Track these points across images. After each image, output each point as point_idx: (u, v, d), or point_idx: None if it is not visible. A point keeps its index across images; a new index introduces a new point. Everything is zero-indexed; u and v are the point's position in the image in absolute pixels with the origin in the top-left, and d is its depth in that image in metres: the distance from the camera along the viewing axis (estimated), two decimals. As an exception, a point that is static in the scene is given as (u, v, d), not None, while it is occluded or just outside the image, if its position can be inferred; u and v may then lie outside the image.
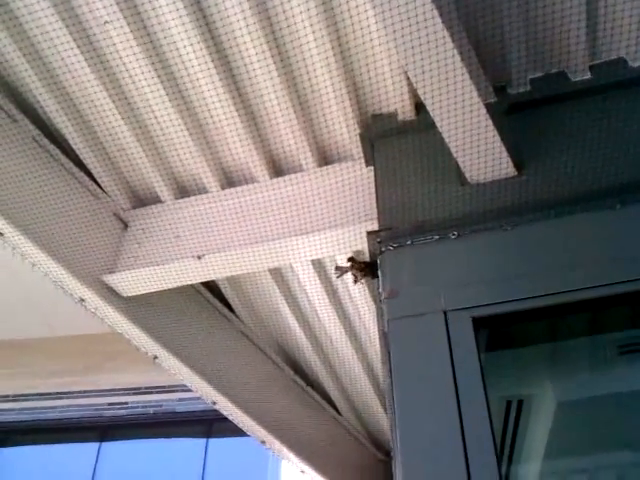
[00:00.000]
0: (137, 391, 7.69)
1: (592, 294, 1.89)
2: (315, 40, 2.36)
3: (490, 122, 2.10)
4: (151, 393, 7.67)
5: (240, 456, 7.69)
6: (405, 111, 2.54)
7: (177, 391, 7.54)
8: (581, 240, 2.00)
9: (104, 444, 7.96)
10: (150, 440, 7.93)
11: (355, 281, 2.35)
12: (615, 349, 2.22)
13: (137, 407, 7.69)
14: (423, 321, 1.95)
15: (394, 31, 1.88)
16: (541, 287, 1.92)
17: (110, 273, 2.82)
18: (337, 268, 2.43)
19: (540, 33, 2.32)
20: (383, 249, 2.18)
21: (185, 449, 7.89)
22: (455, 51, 1.92)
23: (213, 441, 7.86)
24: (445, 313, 1.93)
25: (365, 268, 2.25)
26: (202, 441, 7.86)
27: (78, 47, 2.41)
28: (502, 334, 2.15)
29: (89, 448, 7.89)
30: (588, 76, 2.37)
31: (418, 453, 1.73)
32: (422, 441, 1.74)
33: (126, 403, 7.70)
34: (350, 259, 2.28)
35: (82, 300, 2.82)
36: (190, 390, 7.30)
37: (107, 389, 7.64)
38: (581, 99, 2.34)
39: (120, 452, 7.98)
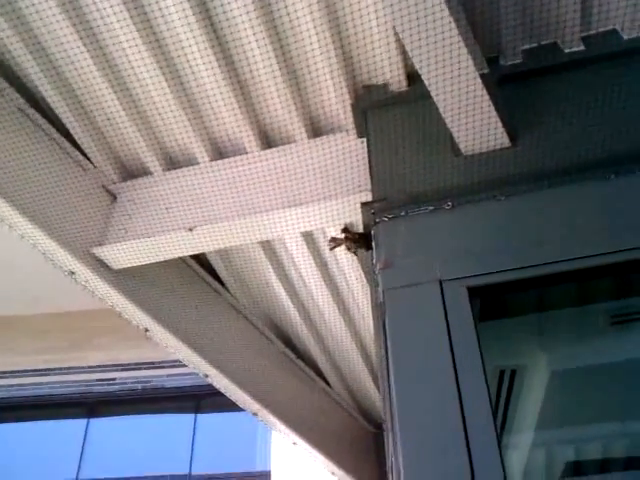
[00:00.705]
0: (125, 367, 7.70)
1: (585, 264, 1.89)
2: (307, 7, 2.32)
3: (485, 92, 2.08)
4: (139, 369, 7.69)
5: (229, 431, 7.75)
6: (397, 82, 2.52)
7: (166, 367, 7.58)
8: (575, 210, 2.00)
9: (92, 420, 7.98)
10: (139, 416, 7.96)
11: (349, 249, 2.35)
12: (607, 319, 2.23)
13: (126, 383, 7.72)
14: (418, 291, 1.95)
15: (391, 3, 1.85)
16: (535, 257, 1.92)
17: (100, 245, 2.79)
18: (332, 239, 2.43)
19: (532, 3, 2.30)
20: (377, 220, 2.17)
21: (174, 425, 7.93)
22: (451, 20, 1.90)
23: (202, 417, 7.90)
24: (441, 283, 1.93)
25: (359, 239, 2.24)
26: (191, 417, 7.91)
27: (64, 13, 2.35)
28: (495, 304, 2.16)
29: (77, 424, 7.91)
30: (581, 47, 2.36)
31: (415, 423, 1.72)
32: (419, 411, 1.74)
33: (114, 379, 7.72)
34: (344, 229, 2.28)
35: (72, 273, 2.80)
36: (178, 366, 7.36)
37: (95, 365, 7.65)
38: (574, 70, 2.33)
39: (109, 428, 8.01)
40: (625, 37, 2.31)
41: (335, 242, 2.41)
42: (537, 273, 1.92)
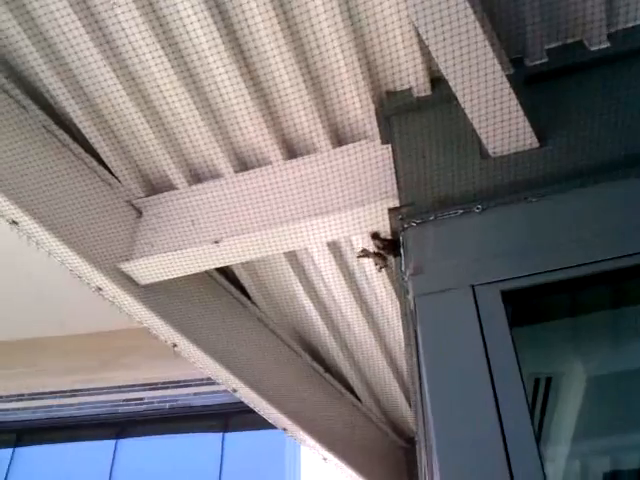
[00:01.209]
0: (153, 386, 7.69)
1: (621, 264, 1.84)
2: (326, 14, 2.32)
3: (512, 93, 2.06)
4: (167, 388, 7.67)
5: (258, 450, 7.69)
6: (420, 87, 2.50)
7: (193, 385, 7.55)
8: (608, 209, 1.95)
9: (120, 441, 7.96)
10: (167, 436, 7.94)
11: (376, 264, 2.32)
12: (645, 321, 2.17)
13: (153, 402, 7.69)
14: (451, 296, 1.90)
15: (414, 4, 1.84)
16: (570, 258, 1.87)
17: (126, 261, 2.79)
18: (363, 250, 2.41)
19: (556, 3, 2.27)
20: (406, 225, 2.14)
21: (202, 444, 7.89)
22: (476, 22, 1.89)
23: (230, 435, 7.85)
24: (473, 287, 1.88)
25: (388, 245, 2.21)
26: (219, 435, 7.86)
27: (86, 32, 2.38)
28: (528, 309, 2.11)
29: (106, 445, 7.90)
30: (607, 45, 2.32)
31: (452, 437, 1.66)
32: (455, 424, 1.68)
33: (142, 399, 7.70)
34: (374, 235, 2.25)
35: (99, 289, 2.80)
36: (205, 384, 7.33)
37: (123, 385, 7.65)
38: (600, 68, 2.29)
39: (137, 449, 7.99)
40: (653, 32, 2.27)
41: (365, 253, 2.39)
42: (572, 275, 1.87)
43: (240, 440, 7.83)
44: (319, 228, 2.59)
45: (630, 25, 2.33)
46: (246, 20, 2.34)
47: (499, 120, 2.10)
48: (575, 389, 2.33)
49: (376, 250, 2.39)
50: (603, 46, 2.33)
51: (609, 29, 2.33)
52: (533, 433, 1.60)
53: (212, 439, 7.83)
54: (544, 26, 2.32)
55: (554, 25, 2.33)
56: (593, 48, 2.34)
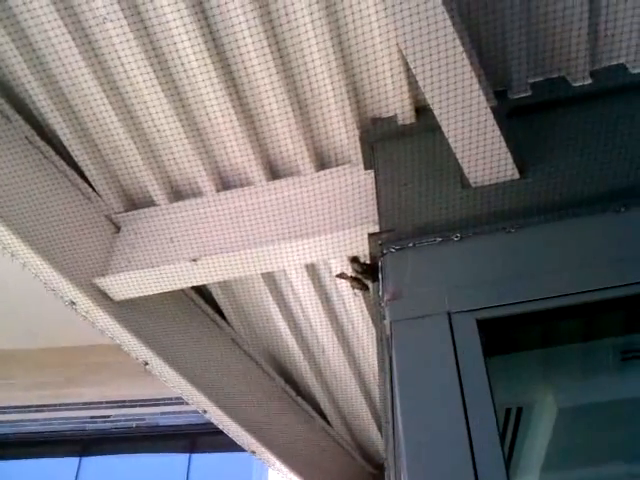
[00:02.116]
0: (120, 404, 7.57)
1: (596, 297, 1.86)
2: (317, 43, 2.35)
3: (496, 125, 2.09)
4: (134, 406, 7.55)
5: (224, 472, 7.59)
6: (405, 115, 2.53)
7: (161, 404, 7.45)
8: (585, 243, 1.98)
9: (84, 459, 7.82)
10: (132, 455, 7.81)
11: (353, 288, 2.33)
12: (618, 355, 2.20)
13: (120, 420, 7.58)
14: (427, 323, 1.91)
15: (404, 33, 1.87)
16: (545, 289, 1.90)
17: (102, 276, 2.76)
18: (342, 273, 2.42)
19: (541, 39, 2.33)
20: (385, 251, 2.15)
21: (168, 464, 7.77)
22: (464, 53, 1.92)
23: (196, 456, 7.75)
24: (449, 315, 1.89)
25: (367, 270, 2.22)
26: (185, 456, 7.76)
27: (75, 44, 2.37)
28: (502, 338, 2.12)
29: (69, 463, 7.75)
30: (589, 81, 2.37)
31: (423, 463, 1.66)
32: (427, 450, 1.67)
33: (109, 416, 7.58)
34: (354, 258, 2.26)
35: (73, 303, 2.76)
36: (174, 404, 7.24)
37: (90, 402, 7.52)
38: (582, 104, 2.34)
39: (101, 467, 7.84)
40: (633, 71, 2.33)
41: (343, 276, 2.39)
42: (547, 306, 1.89)
43: (207, 461, 7.73)
44: (298, 250, 2.59)
45: (613, 63, 2.38)
46: (237, 42, 2.36)
47: (481, 151, 2.13)
48: (545, 420, 2.35)
49: (354, 274, 2.40)
50: (586, 82, 2.39)
51: (592, 66, 2.38)
52: (503, 463, 1.60)
53: (178, 460, 7.71)
54: (529, 60, 2.36)
55: (538, 60, 2.38)
56: (576, 84, 2.39)
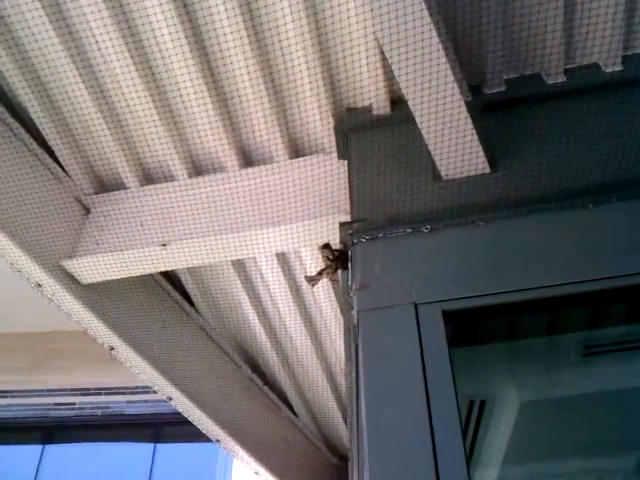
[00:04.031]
0: (86, 392, 7.49)
1: (560, 291, 1.89)
2: (294, 29, 2.34)
3: (469, 119, 2.10)
4: (100, 394, 7.48)
5: (189, 462, 7.56)
6: (380, 106, 2.53)
7: (127, 393, 7.39)
8: (552, 238, 2.01)
9: (48, 446, 7.73)
10: (97, 444, 7.73)
11: (327, 274, 2.33)
12: (580, 350, 2.23)
13: (85, 408, 7.50)
14: (394, 313, 1.92)
15: (381, 23, 1.87)
16: (511, 283, 1.92)
17: (69, 258, 2.73)
18: (310, 278, 2.43)
19: (516, 35, 2.34)
20: (355, 240, 2.15)
21: (132, 454, 7.72)
22: (440, 47, 1.93)
23: (161, 446, 7.71)
24: (416, 305, 1.90)
25: (338, 257, 2.22)
26: (150, 446, 7.71)
27: (49, 20, 2.32)
28: (469, 330, 2.14)
29: (32, 450, 7.65)
30: (563, 79, 2.40)
31: (385, 453, 1.67)
32: (388, 439, 1.68)
33: (74, 404, 7.50)
34: (325, 245, 2.26)
35: (39, 285, 2.72)
36: (139, 392, 7.18)
37: (54, 389, 7.43)
38: (555, 101, 2.37)
39: (64, 455, 7.75)
40: (606, 70, 2.36)
41: (313, 279, 2.41)
42: (512, 299, 1.91)
43: (171, 451, 7.69)
44: (269, 238, 2.58)
45: (585, 62, 2.41)
46: (213, 23, 2.33)
47: (454, 144, 2.15)
48: (508, 413, 2.37)
49: (325, 260, 2.39)
50: (559, 80, 2.41)
51: (566, 64, 2.41)
52: (464, 455, 1.61)
53: (143, 449, 7.66)
54: (504, 56, 2.38)
55: (513, 56, 2.40)
56: (550, 81, 2.42)
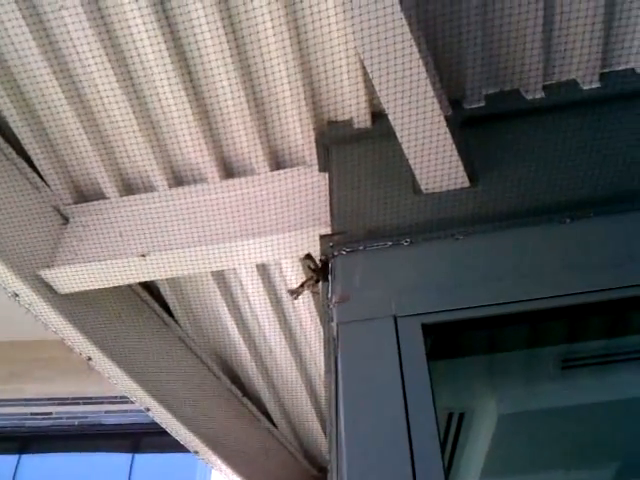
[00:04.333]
0: (63, 401, 7.40)
1: (538, 305, 1.90)
2: (275, 42, 2.34)
3: (449, 134, 2.12)
4: (77, 404, 7.40)
5: (167, 473, 7.50)
6: (361, 120, 2.54)
7: (105, 403, 7.32)
8: (530, 252, 2.02)
9: (24, 456, 7.62)
10: (73, 454, 7.65)
11: (310, 280, 2.33)
12: (558, 363, 2.25)
13: (62, 418, 7.41)
14: (373, 326, 1.92)
15: (362, 37, 1.88)
16: (490, 296, 1.93)
17: (47, 268, 2.70)
18: (293, 291, 2.43)
19: (496, 50, 2.37)
20: (336, 253, 2.16)
21: (110, 464, 7.64)
22: (420, 62, 1.95)
23: (139, 457, 7.64)
24: (395, 318, 1.91)
25: (320, 269, 2.23)
26: (128, 456, 7.64)
27: (29, 30, 2.31)
28: (448, 343, 2.15)
29: (7, 460, 7.55)
30: (541, 95, 2.43)
31: (364, 466, 1.67)
32: (367, 451, 1.67)
33: (50, 413, 7.41)
34: (307, 255, 2.26)
35: (16, 295, 2.69)
36: (117, 402, 7.11)
37: (31, 398, 7.33)
38: (534, 117, 2.40)
39: (41, 465, 7.66)
40: (584, 87, 2.39)
41: (295, 292, 2.41)
42: (491, 313, 1.92)
43: (150, 462, 7.63)
44: (250, 249, 2.58)
45: (564, 79, 2.44)
46: (195, 36, 2.34)
47: (434, 158, 2.16)
48: (486, 426, 2.38)
49: (307, 271, 2.39)
50: (538, 96, 2.44)
51: (545, 81, 2.44)
52: (443, 468, 1.62)
53: (121, 460, 7.59)
54: (483, 72, 2.41)
55: (493, 72, 2.42)
56: (529, 97, 2.45)
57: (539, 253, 2.01)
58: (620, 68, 2.43)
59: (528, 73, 2.37)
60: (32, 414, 7.40)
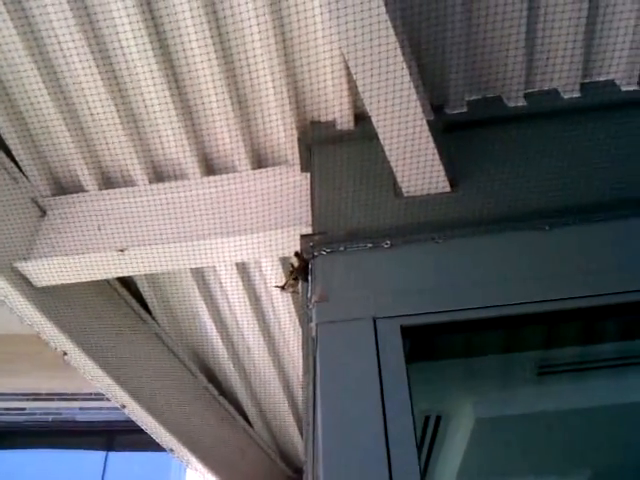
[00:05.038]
0: (36, 397, 7.32)
1: (515, 311, 1.91)
2: (260, 40, 2.34)
3: (430, 138, 2.13)
4: (51, 400, 7.32)
5: (141, 471, 7.46)
6: (344, 121, 2.54)
7: (79, 399, 7.26)
8: (509, 258, 2.04)
9: (-5, 452, 7.55)
10: (47, 450, 7.58)
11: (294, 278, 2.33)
12: (534, 369, 2.26)
13: (35, 414, 7.33)
14: (352, 327, 1.92)
15: (347, 38, 1.88)
16: (468, 300, 1.94)
17: (24, 260, 2.67)
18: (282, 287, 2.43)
19: (479, 57, 2.38)
20: (316, 253, 2.15)
21: (84, 461, 7.58)
22: (404, 65, 1.95)
23: (113, 455, 7.59)
24: (375, 320, 1.91)
25: (300, 268, 2.22)
26: (102, 454, 7.59)
27: (10, 18, 2.29)
28: (427, 345, 2.15)
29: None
30: (523, 103, 2.45)
31: (340, 466, 1.66)
32: (344, 452, 1.67)
33: (24, 409, 7.33)
34: (296, 253, 2.26)
35: (-9, 287, 2.66)
36: (93, 399, 7.05)
37: (4, 392, 7.25)
38: (515, 124, 2.41)
39: (13, 461, 7.58)
40: (564, 97, 2.42)
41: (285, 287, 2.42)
42: (470, 316, 1.93)
43: (124, 460, 7.58)
44: (230, 247, 2.57)
45: (545, 88, 2.47)
46: (179, 30, 2.33)
47: (415, 162, 2.17)
48: (463, 430, 2.39)
49: (293, 266, 2.38)
50: (519, 104, 2.46)
51: (526, 89, 2.46)
52: (419, 471, 1.62)
53: (95, 457, 7.54)
54: (466, 78, 2.42)
55: (475, 78, 2.44)
56: (510, 104, 2.46)
57: (518, 259, 2.03)
58: (600, 79, 2.45)
59: (510, 81, 2.38)
60: (5, 409, 7.32)
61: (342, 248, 2.15)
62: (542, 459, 2.35)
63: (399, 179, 2.25)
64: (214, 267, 3.19)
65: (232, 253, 2.59)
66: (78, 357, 3.01)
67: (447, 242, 2.09)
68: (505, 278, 1.98)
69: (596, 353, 2.24)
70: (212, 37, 2.32)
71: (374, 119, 2.10)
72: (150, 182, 2.80)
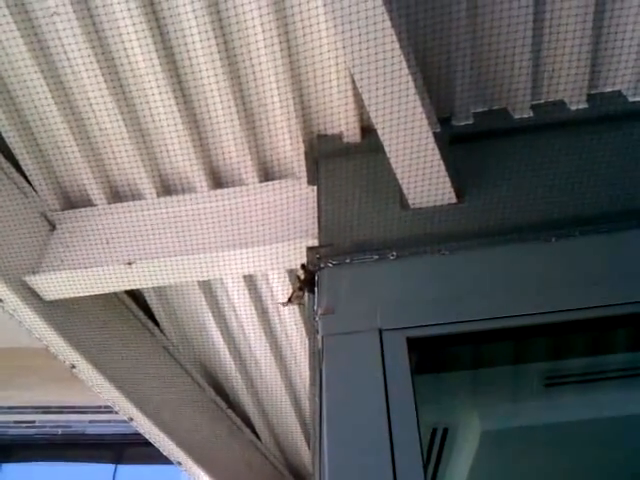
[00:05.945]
0: (46, 410, 7.34)
1: (522, 322, 1.91)
2: (266, 54, 2.36)
3: (437, 150, 2.14)
4: (61, 413, 7.34)
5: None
6: (350, 134, 2.55)
7: (89, 412, 7.27)
8: (515, 270, 2.03)
9: (5, 465, 7.55)
10: (56, 463, 7.58)
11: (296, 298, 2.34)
12: (542, 380, 2.25)
13: (45, 427, 7.35)
14: (358, 339, 1.92)
15: (352, 52, 1.90)
16: (474, 312, 1.93)
17: (33, 274, 2.69)
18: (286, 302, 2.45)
19: (485, 69, 2.39)
20: (322, 265, 2.16)
21: (92, 474, 7.58)
22: (410, 78, 1.96)
23: (122, 467, 7.59)
24: (381, 332, 1.91)
25: (307, 280, 2.23)
26: (111, 467, 7.58)
27: (20, 35, 2.31)
28: (433, 357, 2.15)
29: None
30: (529, 114, 2.45)
31: (347, 477, 1.66)
32: (350, 467, 1.68)
33: (34, 422, 7.34)
34: (303, 265, 2.27)
35: (0, 300, 2.68)
36: (102, 412, 7.04)
37: (14, 406, 7.27)
38: (521, 136, 2.42)
39: (22, 474, 7.59)
40: (571, 108, 2.42)
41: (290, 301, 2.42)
42: (476, 328, 1.93)
43: (132, 473, 7.57)
44: (237, 260, 2.57)
45: (552, 99, 2.47)
46: (186, 45, 2.35)
47: (421, 174, 2.17)
48: (469, 442, 2.38)
49: (300, 279, 2.39)
50: (526, 115, 2.47)
51: (533, 100, 2.47)
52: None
53: (103, 470, 7.53)
54: (472, 90, 2.43)
55: (481, 90, 2.44)
56: (516, 116, 2.47)
57: (524, 270, 2.02)
58: (607, 90, 2.46)
59: (516, 92, 2.39)
60: (15, 422, 7.34)
61: (348, 260, 2.15)
62: (550, 471, 2.33)
63: (405, 191, 2.26)
64: (221, 279, 3.20)
65: (239, 265, 2.60)
66: (86, 370, 3.02)
67: (453, 254, 2.09)
68: (511, 289, 1.98)
69: (603, 364, 2.23)
70: (219, 51, 2.34)
71: (380, 132, 2.11)
72: (158, 196, 2.81)
